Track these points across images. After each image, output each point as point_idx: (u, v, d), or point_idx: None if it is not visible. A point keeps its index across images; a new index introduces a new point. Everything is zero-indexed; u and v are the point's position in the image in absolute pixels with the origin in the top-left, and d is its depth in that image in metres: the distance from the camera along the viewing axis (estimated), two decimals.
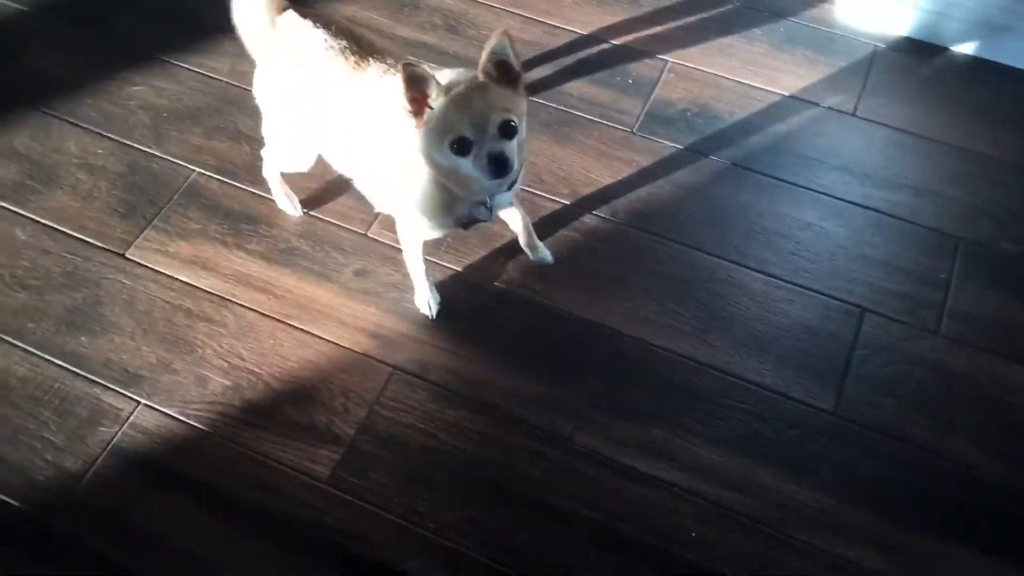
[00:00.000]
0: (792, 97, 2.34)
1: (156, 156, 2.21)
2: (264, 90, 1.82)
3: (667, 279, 2.03)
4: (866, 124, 2.28)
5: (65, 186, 2.16)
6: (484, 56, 1.46)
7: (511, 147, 1.46)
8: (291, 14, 1.71)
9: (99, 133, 2.25)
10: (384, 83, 1.61)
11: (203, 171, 2.18)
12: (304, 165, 1.89)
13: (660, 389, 1.88)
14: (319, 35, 1.66)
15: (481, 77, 1.47)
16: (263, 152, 2.00)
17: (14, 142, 2.23)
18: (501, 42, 1.45)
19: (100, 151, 2.22)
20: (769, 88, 2.35)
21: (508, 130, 1.46)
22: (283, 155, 1.93)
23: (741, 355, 1.92)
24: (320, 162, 1.89)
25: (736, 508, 1.73)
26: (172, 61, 2.39)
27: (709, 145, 2.25)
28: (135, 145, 2.23)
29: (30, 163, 2.19)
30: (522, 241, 2.01)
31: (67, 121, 2.27)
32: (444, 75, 1.50)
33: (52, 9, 2.51)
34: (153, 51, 2.41)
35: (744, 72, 2.38)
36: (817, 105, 2.32)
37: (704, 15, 2.51)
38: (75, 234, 2.07)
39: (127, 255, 2.04)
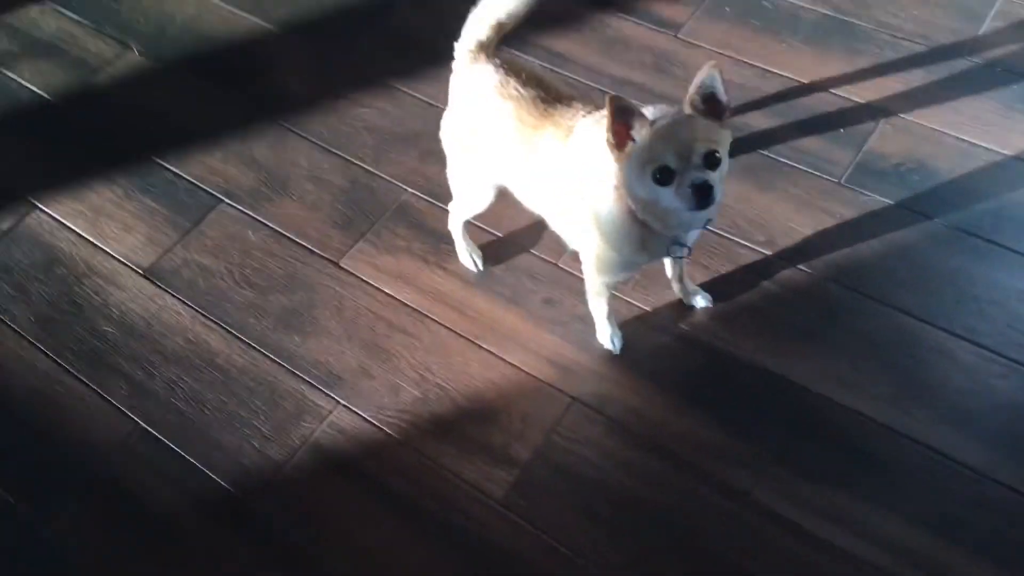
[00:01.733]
0: (1020, 159, 2.18)
1: (375, 174, 2.38)
2: (451, 134, 1.91)
3: (865, 339, 1.96)
4: None
5: (294, 195, 2.37)
6: (692, 88, 1.48)
7: (714, 178, 1.46)
8: (483, 63, 1.78)
9: (328, 149, 2.45)
10: (575, 126, 1.66)
11: (414, 191, 2.33)
12: (485, 204, 1.97)
13: (849, 453, 1.81)
14: (510, 83, 1.73)
15: (688, 109, 1.49)
16: (450, 206, 2.10)
17: (254, 151, 2.48)
18: (711, 74, 1.47)
19: (327, 166, 2.42)
20: (996, 148, 2.21)
21: (712, 161, 1.46)
22: (466, 198, 2.01)
23: (943, 429, 1.81)
24: (503, 210, 1.95)
25: None
26: (398, 87, 2.56)
27: (922, 203, 2.14)
28: (357, 163, 2.41)
29: (267, 172, 2.43)
30: (675, 283, 2.01)
31: (301, 135, 2.49)
32: (649, 110, 1.53)
33: (300, 30, 2.76)
34: (383, 76, 2.59)
35: (969, 130, 2.25)
36: None
37: (930, 68, 2.39)
38: (299, 240, 2.27)
39: (341, 264, 2.22)
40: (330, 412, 1.97)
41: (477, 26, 1.80)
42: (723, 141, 1.48)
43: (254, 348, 2.09)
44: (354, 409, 1.97)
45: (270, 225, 2.31)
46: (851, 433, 1.83)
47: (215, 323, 2.14)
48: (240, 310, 2.16)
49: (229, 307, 2.17)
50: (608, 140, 1.49)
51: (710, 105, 1.49)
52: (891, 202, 2.16)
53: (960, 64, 2.39)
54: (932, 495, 1.74)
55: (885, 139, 2.27)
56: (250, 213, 2.34)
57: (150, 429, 1.97)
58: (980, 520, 1.70)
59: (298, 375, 2.03)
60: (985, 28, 2.45)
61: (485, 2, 1.78)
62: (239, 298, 2.18)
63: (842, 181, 2.21)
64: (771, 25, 2.55)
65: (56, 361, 2.10)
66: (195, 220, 2.34)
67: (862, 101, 2.35)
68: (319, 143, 2.47)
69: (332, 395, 2.00)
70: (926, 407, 1.85)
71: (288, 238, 2.28)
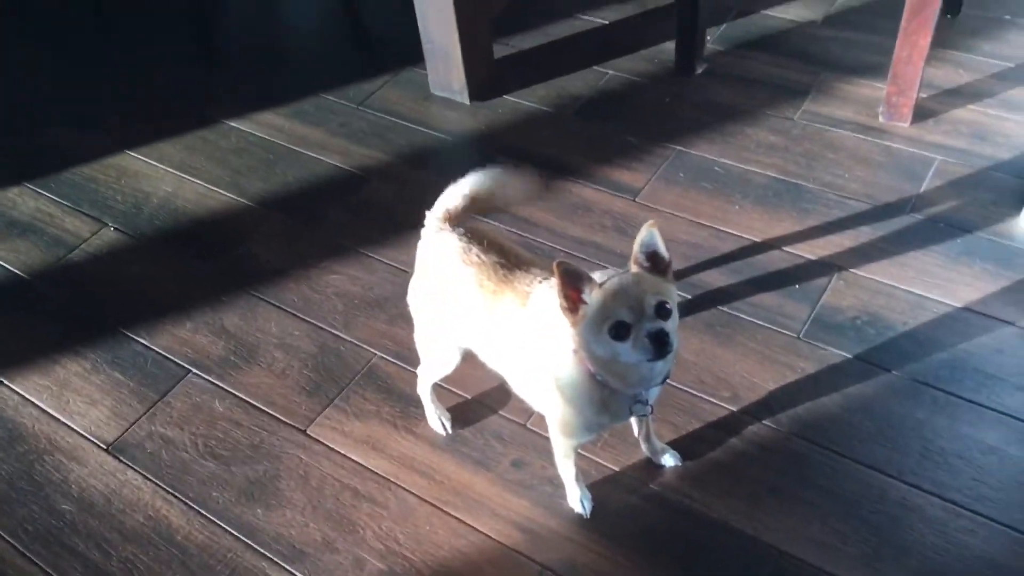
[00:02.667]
0: (971, 311, 2.25)
1: (344, 339, 2.41)
2: (417, 299, 1.96)
3: (834, 496, 1.94)
4: None
5: (263, 363, 2.38)
6: (635, 247, 1.54)
7: (668, 326, 1.50)
8: (447, 231, 1.85)
9: (298, 316, 2.49)
10: (532, 291, 1.71)
11: (383, 355, 2.35)
12: (451, 367, 1.99)
13: None
14: (473, 250, 1.79)
15: (633, 268, 1.55)
16: (418, 369, 2.12)
17: (224, 321, 2.51)
18: (651, 232, 1.53)
19: (296, 332, 2.45)
20: (946, 300, 2.28)
21: (663, 312, 1.50)
22: (433, 360, 2.03)
23: None
24: (472, 371, 1.99)
25: None
26: (368, 253, 2.64)
27: (880, 356, 2.19)
28: (327, 328, 2.45)
29: (236, 340, 2.45)
30: (643, 443, 2.02)
31: (272, 304, 2.54)
32: (597, 275, 1.58)
33: (273, 205, 2.86)
34: (353, 244, 2.67)
35: (918, 283, 2.33)
36: (999, 320, 2.22)
37: (876, 225, 2.50)
38: (265, 409, 2.27)
39: (308, 431, 2.20)
40: None
41: (450, 197, 1.89)
42: (670, 294, 1.53)
43: (215, 523, 2.04)
44: None
45: (237, 394, 2.31)
46: None
47: (176, 498, 2.10)
48: (203, 483, 2.12)
49: (191, 480, 2.13)
50: (561, 305, 1.54)
51: (653, 262, 1.56)
52: (849, 355, 2.20)
53: (904, 220, 2.51)
54: None
55: (839, 294, 2.34)
56: (218, 383, 2.35)
57: None
58: None
59: (259, 551, 1.98)
60: (925, 186, 2.59)
61: (463, 180, 1.88)
62: (202, 471, 2.15)
63: (800, 335, 2.26)
64: (723, 188, 2.68)
65: (9, 542, 2.03)
66: (162, 392, 2.34)
67: (814, 258, 2.44)
68: (289, 310, 2.51)
69: (294, 572, 1.93)
70: (898, 567, 1.82)
71: (255, 407, 2.28)
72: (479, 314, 1.78)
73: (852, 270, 2.39)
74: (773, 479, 1.99)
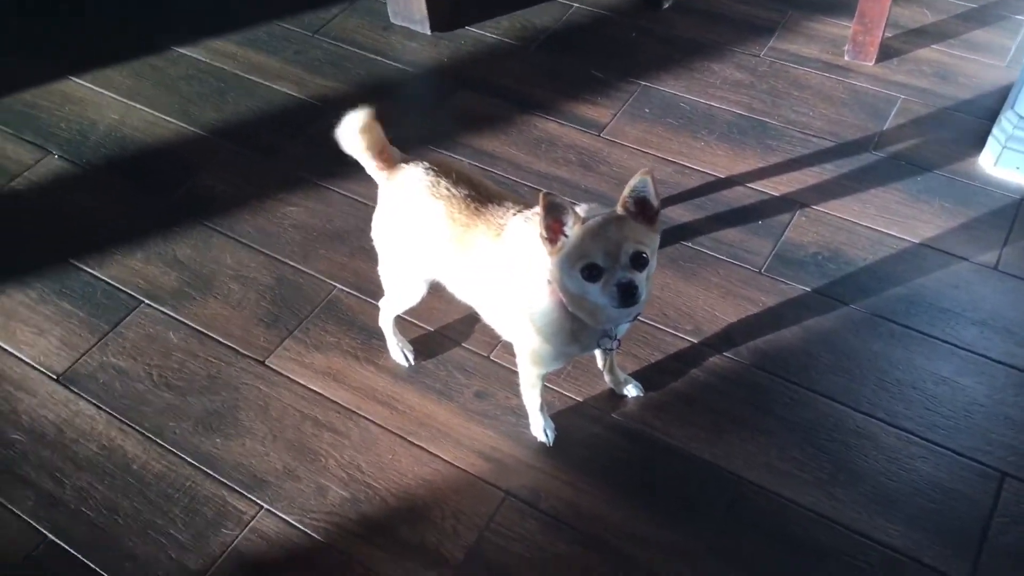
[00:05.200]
0: (929, 247, 2.29)
1: (302, 271, 2.36)
2: (383, 233, 1.92)
3: (792, 425, 1.98)
4: (1008, 278, 2.20)
5: (218, 295, 2.32)
6: (625, 191, 1.52)
7: (640, 278, 1.50)
8: (409, 167, 1.81)
9: (253, 247, 2.43)
10: (506, 224, 1.69)
11: (343, 287, 2.31)
12: (417, 299, 1.97)
13: (781, 542, 1.80)
14: (441, 184, 1.76)
15: (620, 210, 1.53)
16: (381, 302, 2.09)
17: (177, 252, 2.44)
18: (643, 180, 1.51)
19: (252, 264, 2.39)
20: (905, 237, 2.31)
21: (639, 261, 1.50)
22: (398, 294, 2.01)
23: (869, 512, 1.82)
24: (434, 304, 1.96)
25: None
26: (326, 186, 2.58)
27: (840, 290, 2.21)
28: (284, 260, 2.39)
29: (190, 272, 2.38)
30: (606, 374, 2.02)
31: (226, 235, 2.47)
32: (581, 208, 1.57)
33: (226, 135, 2.77)
34: (311, 176, 2.61)
35: (879, 220, 2.36)
36: (956, 256, 2.26)
37: (839, 162, 2.52)
38: (222, 340, 2.22)
39: (267, 363, 2.16)
40: (253, 517, 1.89)
41: (361, 158, 1.83)
42: (651, 243, 1.53)
43: (172, 452, 2.00)
44: (278, 513, 1.89)
45: (192, 325, 2.26)
46: (782, 520, 1.83)
47: (131, 428, 2.05)
48: (159, 414, 2.08)
49: (147, 411, 2.08)
50: (541, 235, 1.53)
51: (641, 208, 1.53)
52: (810, 289, 2.22)
53: (867, 158, 2.52)
54: None
55: (801, 230, 2.36)
56: (172, 314, 2.29)
57: (58, 541, 1.85)
58: None
59: (219, 479, 1.95)
60: (888, 125, 2.60)
61: (346, 143, 1.81)
62: (158, 401, 2.10)
63: (762, 270, 2.27)
64: (688, 124, 2.66)
65: None
66: (114, 322, 2.27)
67: (777, 194, 2.45)
68: (245, 242, 2.44)
69: (255, 499, 1.91)
70: (852, 491, 1.86)
71: (211, 338, 2.23)
72: (450, 247, 1.76)
73: (814, 206, 2.41)
74: (733, 409, 2.02)
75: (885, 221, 2.36)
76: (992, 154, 2.44)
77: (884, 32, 2.71)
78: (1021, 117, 2.36)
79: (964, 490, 1.84)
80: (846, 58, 2.81)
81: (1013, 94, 2.50)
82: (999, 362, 2.04)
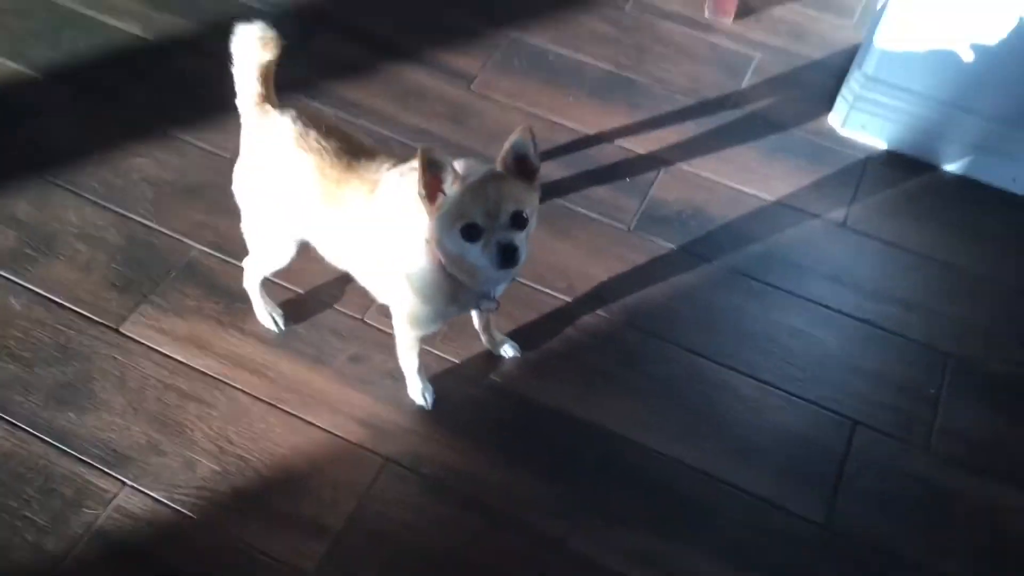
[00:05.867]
0: (783, 204, 2.40)
1: (156, 230, 2.22)
2: (245, 187, 1.82)
3: (659, 379, 2.06)
4: (856, 235, 2.35)
5: (63, 256, 2.15)
6: (504, 148, 1.50)
7: (520, 238, 1.49)
8: (277, 114, 1.72)
9: (100, 204, 2.26)
10: (380, 179, 1.64)
11: (203, 247, 2.19)
12: (286, 259, 1.89)
13: (651, 492, 1.88)
14: (311, 135, 1.68)
15: (499, 168, 1.51)
16: (245, 262, 2.00)
17: (14, 209, 2.23)
18: (523, 138, 1.49)
19: (100, 222, 2.22)
20: (761, 194, 2.42)
21: (519, 221, 1.48)
22: (264, 253, 1.92)
23: (732, 461, 1.93)
24: (304, 265, 1.90)
25: None
26: (178, 136, 2.41)
27: (702, 247, 2.30)
28: (136, 218, 2.24)
29: (29, 231, 2.19)
30: (482, 334, 2.04)
31: (69, 190, 2.28)
32: (460, 164, 1.54)
33: (63, 78, 2.54)
34: (161, 125, 2.43)
35: (737, 177, 2.45)
36: (808, 213, 2.39)
37: (700, 120, 2.59)
38: (70, 306, 2.07)
39: (121, 330, 2.04)
40: (115, 495, 1.79)
41: (245, 80, 1.73)
42: (531, 202, 1.51)
43: (21, 428, 1.86)
44: (143, 490, 1.80)
45: (36, 290, 2.09)
46: (653, 473, 1.91)
47: None
48: (3, 387, 1.92)
49: None
50: (420, 193, 1.48)
51: (521, 166, 1.52)
52: (674, 247, 2.29)
53: (726, 116, 2.61)
54: (728, 527, 1.85)
55: (665, 188, 2.42)
56: (12, 277, 2.10)
57: None
58: (771, 548, 1.82)
59: (76, 456, 1.83)
60: (745, 83, 2.69)
61: (239, 57, 1.71)
62: (1, 374, 1.94)
63: (631, 228, 2.32)
64: (557, 78, 2.66)
65: None
66: None
67: (644, 152, 2.50)
68: (90, 198, 2.27)
69: (117, 476, 1.82)
70: (715, 441, 1.97)
71: (57, 304, 2.07)
72: (321, 203, 1.68)
73: (679, 164, 2.47)
74: (604, 366, 2.08)
75: (743, 179, 2.45)
76: (840, 114, 2.58)
77: None
78: (867, 78, 2.50)
79: (820, 438, 1.98)
80: (707, 14, 2.87)
81: (860, 55, 2.63)
82: (849, 315, 2.19)
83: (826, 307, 2.20)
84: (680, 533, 1.83)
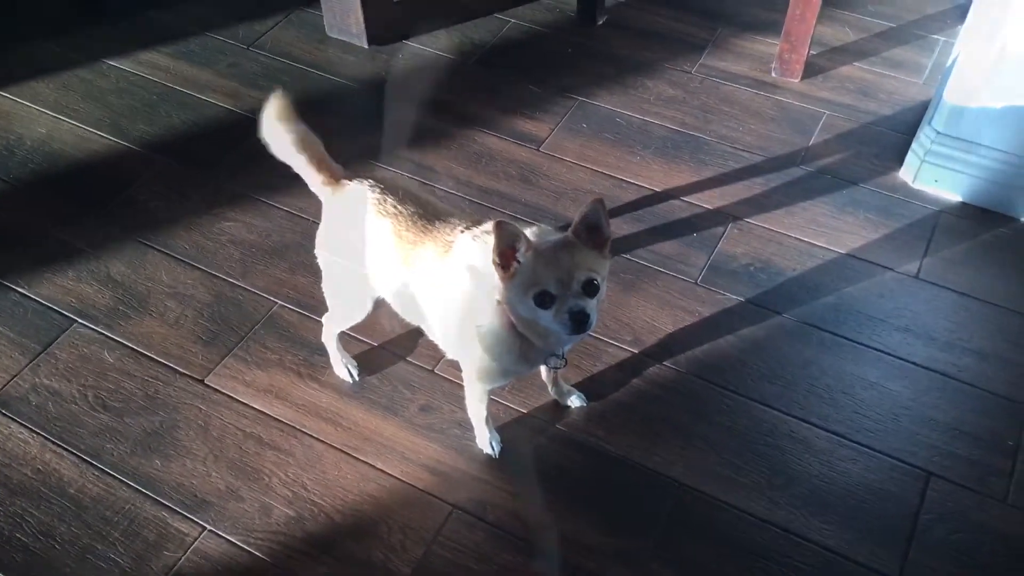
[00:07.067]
0: (854, 257, 2.38)
1: (241, 288, 2.34)
2: (327, 249, 1.91)
3: (729, 431, 2.04)
4: (929, 287, 2.31)
5: (154, 313, 2.28)
6: (577, 218, 1.54)
7: (591, 304, 1.52)
8: (354, 184, 1.81)
9: (190, 264, 2.40)
10: (453, 241, 1.70)
11: (284, 303, 2.30)
12: (362, 315, 1.96)
13: (722, 544, 1.85)
14: (388, 201, 1.76)
15: (571, 237, 1.55)
16: (324, 318, 2.08)
17: (111, 269, 2.38)
18: (595, 208, 1.53)
19: (189, 281, 2.36)
20: (831, 247, 2.41)
21: (591, 288, 1.52)
22: (342, 310, 2.01)
23: (804, 513, 1.89)
24: (378, 319, 1.96)
25: None
26: (264, 200, 2.55)
27: (771, 300, 2.29)
28: (223, 277, 2.36)
29: (123, 290, 2.33)
30: (550, 386, 2.06)
31: (161, 251, 2.43)
32: (531, 231, 1.59)
33: (158, 148, 2.72)
34: (248, 191, 2.58)
35: (807, 231, 2.45)
36: (880, 266, 2.36)
37: (768, 176, 2.60)
38: (159, 359, 2.18)
39: (206, 381, 2.14)
40: (195, 539, 1.86)
41: (303, 171, 1.84)
42: (602, 270, 1.55)
43: (110, 475, 1.96)
44: (221, 534, 1.87)
45: (128, 344, 2.21)
46: (722, 523, 1.88)
47: (67, 450, 2.00)
48: (95, 435, 2.03)
49: (83, 433, 2.03)
50: (494, 261, 1.53)
51: (592, 235, 1.55)
52: (743, 299, 2.29)
53: (794, 172, 2.62)
54: None
55: (733, 242, 2.43)
56: (106, 333, 2.24)
57: None
58: None
59: (159, 501, 1.92)
60: (814, 140, 2.70)
61: (265, 130, 1.83)
62: (93, 423, 2.06)
63: (698, 281, 2.34)
64: (624, 139, 2.72)
65: None
66: (45, 343, 2.21)
67: (711, 207, 2.52)
68: (181, 258, 2.41)
69: (197, 520, 1.89)
70: (788, 494, 1.93)
71: (148, 357, 2.19)
72: (398, 264, 1.76)
73: (746, 219, 2.49)
74: (673, 417, 2.07)
75: (813, 232, 2.45)
76: (911, 169, 2.56)
77: (809, 50, 2.82)
78: (938, 133, 2.48)
79: (893, 490, 1.92)
80: (773, 75, 2.91)
81: (930, 111, 2.63)
82: (923, 367, 2.14)
83: (899, 359, 2.15)
84: None
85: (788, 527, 1.87)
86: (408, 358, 2.17)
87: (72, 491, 1.93)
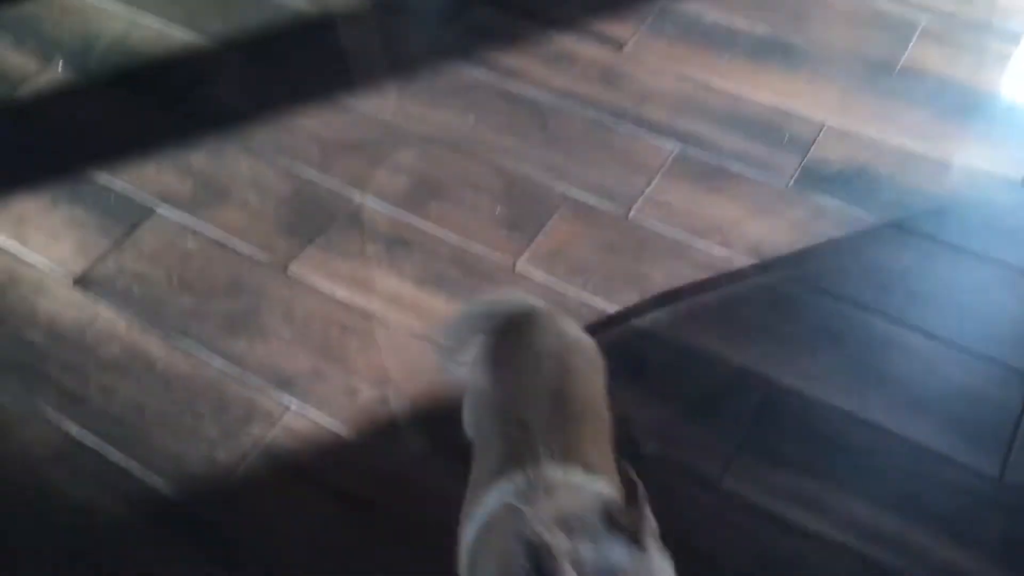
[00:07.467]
0: (954, 164, 2.28)
1: (321, 181, 2.31)
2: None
3: (823, 333, 1.97)
4: None
5: (235, 203, 2.27)
6: None
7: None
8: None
9: (270, 157, 2.38)
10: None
11: (364, 197, 2.27)
12: None
13: (813, 441, 1.81)
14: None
15: None
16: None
17: (191, 161, 2.38)
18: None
19: (270, 173, 2.34)
20: (931, 154, 2.30)
21: None
22: None
23: (901, 414, 1.83)
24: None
25: (891, 568, 1.63)
26: (342, 98, 2.51)
27: (869, 205, 2.20)
28: (302, 170, 2.34)
29: (204, 180, 2.33)
30: None
31: (241, 145, 2.41)
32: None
33: (235, 45, 2.69)
34: (325, 89, 2.54)
35: (903, 137, 2.34)
36: (981, 171, 2.25)
37: (864, 82, 2.49)
38: (241, 246, 2.18)
39: (288, 269, 2.13)
40: (282, 416, 1.86)
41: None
42: None
43: (196, 354, 1.97)
44: (308, 412, 1.87)
45: (210, 232, 2.21)
46: (815, 422, 1.83)
47: (153, 330, 2.01)
48: (180, 316, 2.04)
49: (168, 313, 2.05)
50: None
51: None
52: (837, 204, 2.21)
53: (891, 78, 2.50)
54: (894, 477, 1.75)
55: (827, 147, 2.34)
56: (188, 220, 2.24)
57: (84, 439, 1.83)
58: (940, 498, 1.72)
59: (246, 380, 1.92)
60: (911, 46, 2.57)
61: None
62: (178, 304, 2.06)
63: (790, 186, 2.25)
64: (711, 43, 2.62)
65: None
66: (129, 228, 2.22)
67: (803, 112, 2.42)
68: (260, 152, 2.39)
69: (284, 398, 1.89)
70: (884, 395, 1.87)
71: (229, 245, 2.18)
72: None
73: (840, 123, 2.38)
74: (765, 319, 2.01)
75: (911, 139, 2.34)
76: (1015, 77, 2.43)
77: None
78: None
79: (994, 394, 1.85)
80: None
81: None
82: None
83: (1002, 264, 2.06)
84: (842, 480, 1.74)
85: (883, 425, 1.81)
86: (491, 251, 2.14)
87: (160, 367, 1.95)
